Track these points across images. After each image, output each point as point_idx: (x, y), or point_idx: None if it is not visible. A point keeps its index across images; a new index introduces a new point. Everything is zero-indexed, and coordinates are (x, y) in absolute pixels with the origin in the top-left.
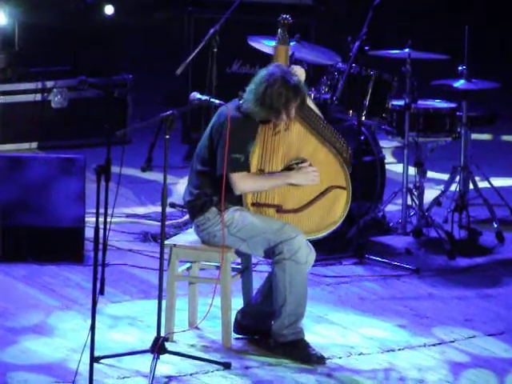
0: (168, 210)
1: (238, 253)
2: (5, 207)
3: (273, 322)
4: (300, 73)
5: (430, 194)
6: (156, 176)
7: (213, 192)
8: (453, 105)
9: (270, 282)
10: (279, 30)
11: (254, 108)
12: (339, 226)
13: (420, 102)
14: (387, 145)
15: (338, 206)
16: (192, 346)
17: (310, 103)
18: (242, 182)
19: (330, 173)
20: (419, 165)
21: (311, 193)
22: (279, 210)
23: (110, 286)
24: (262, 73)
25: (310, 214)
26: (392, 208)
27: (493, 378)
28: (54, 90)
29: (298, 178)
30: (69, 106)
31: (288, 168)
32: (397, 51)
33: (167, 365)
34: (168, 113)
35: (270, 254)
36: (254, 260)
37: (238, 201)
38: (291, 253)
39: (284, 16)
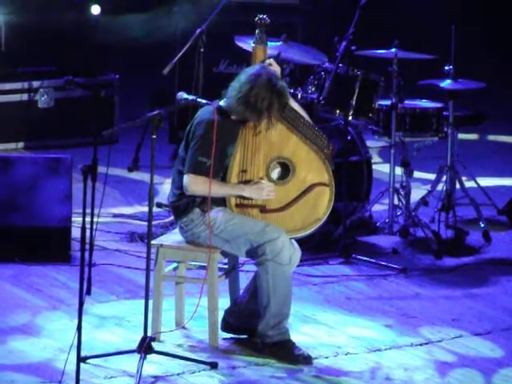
0: (155, 209)
1: (224, 253)
2: None
3: (258, 323)
4: (276, 69)
5: (416, 194)
6: (143, 176)
7: None
8: (439, 104)
9: (256, 280)
10: (257, 31)
11: (237, 106)
12: (326, 226)
13: (407, 101)
14: (374, 144)
15: (321, 203)
16: (179, 345)
17: (292, 101)
18: (195, 184)
19: (312, 170)
20: (406, 164)
21: (295, 191)
22: (263, 210)
23: (96, 286)
24: (249, 72)
25: (294, 212)
26: (379, 208)
27: (479, 377)
28: (41, 89)
29: (251, 192)
30: (55, 105)
31: (245, 182)
32: (383, 51)
33: (154, 365)
34: (155, 113)
35: (253, 255)
36: (240, 260)
37: (222, 201)
38: (274, 254)
39: (261, 16)
